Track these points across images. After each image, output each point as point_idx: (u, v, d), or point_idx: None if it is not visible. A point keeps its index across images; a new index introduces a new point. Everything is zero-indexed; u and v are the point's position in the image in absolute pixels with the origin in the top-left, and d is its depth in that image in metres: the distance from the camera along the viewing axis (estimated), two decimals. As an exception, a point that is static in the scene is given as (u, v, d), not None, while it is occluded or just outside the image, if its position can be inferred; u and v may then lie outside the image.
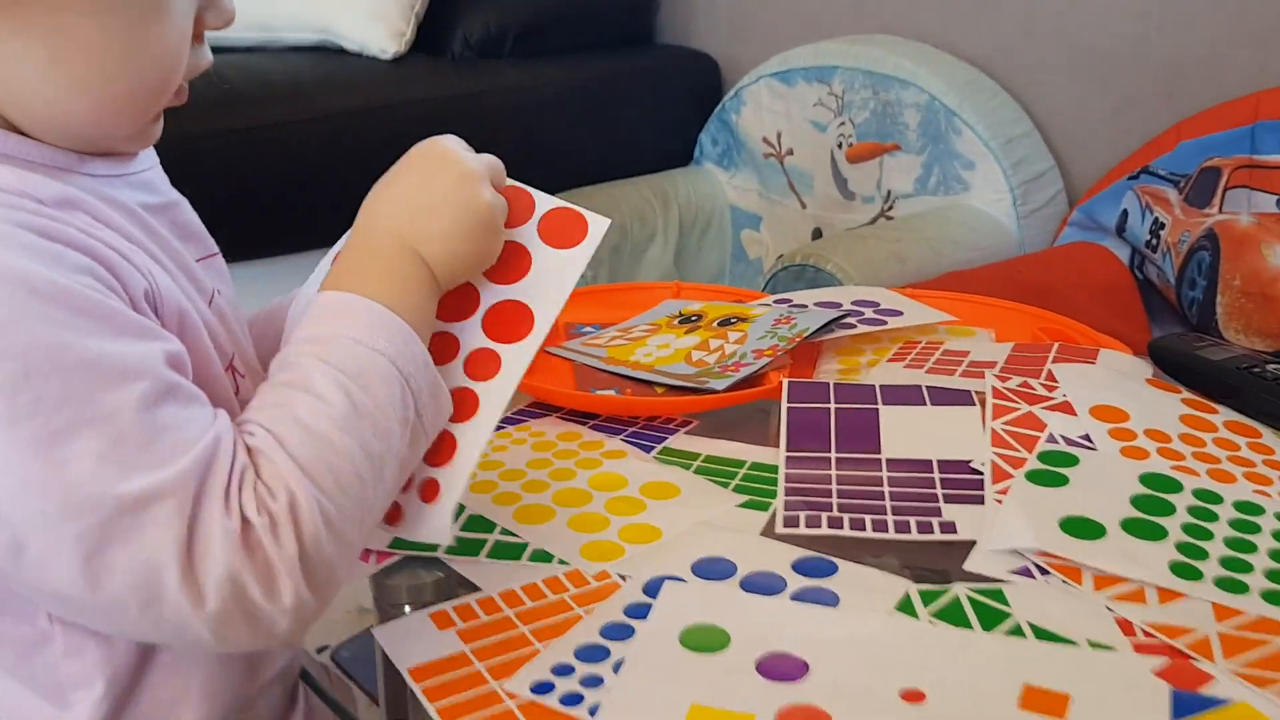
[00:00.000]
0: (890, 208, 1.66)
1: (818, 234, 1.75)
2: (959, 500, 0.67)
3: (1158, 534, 0.61)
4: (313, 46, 1.80)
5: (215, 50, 0.54)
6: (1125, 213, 1.40)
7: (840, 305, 0.96)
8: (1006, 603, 0.57)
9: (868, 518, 0.66)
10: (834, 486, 0.69)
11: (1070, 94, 1.57)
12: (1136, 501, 0.64)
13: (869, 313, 0.95)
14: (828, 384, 0.80)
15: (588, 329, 1.01)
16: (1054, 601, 0.57)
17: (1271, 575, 0.59)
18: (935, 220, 1.51)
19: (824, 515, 0.66)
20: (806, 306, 0.95)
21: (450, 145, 0.57)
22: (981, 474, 0.68)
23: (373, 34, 1.76)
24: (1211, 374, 0.82)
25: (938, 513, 0.66)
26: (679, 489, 0.72)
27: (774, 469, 0.74)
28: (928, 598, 0.58)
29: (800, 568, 0.62)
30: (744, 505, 0.70)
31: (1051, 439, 0.70)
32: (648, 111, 1.95)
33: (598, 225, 0.60)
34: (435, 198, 0.55)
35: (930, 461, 0.71)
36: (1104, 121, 1.53)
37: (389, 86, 1.73)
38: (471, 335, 0.58)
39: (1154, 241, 1.34)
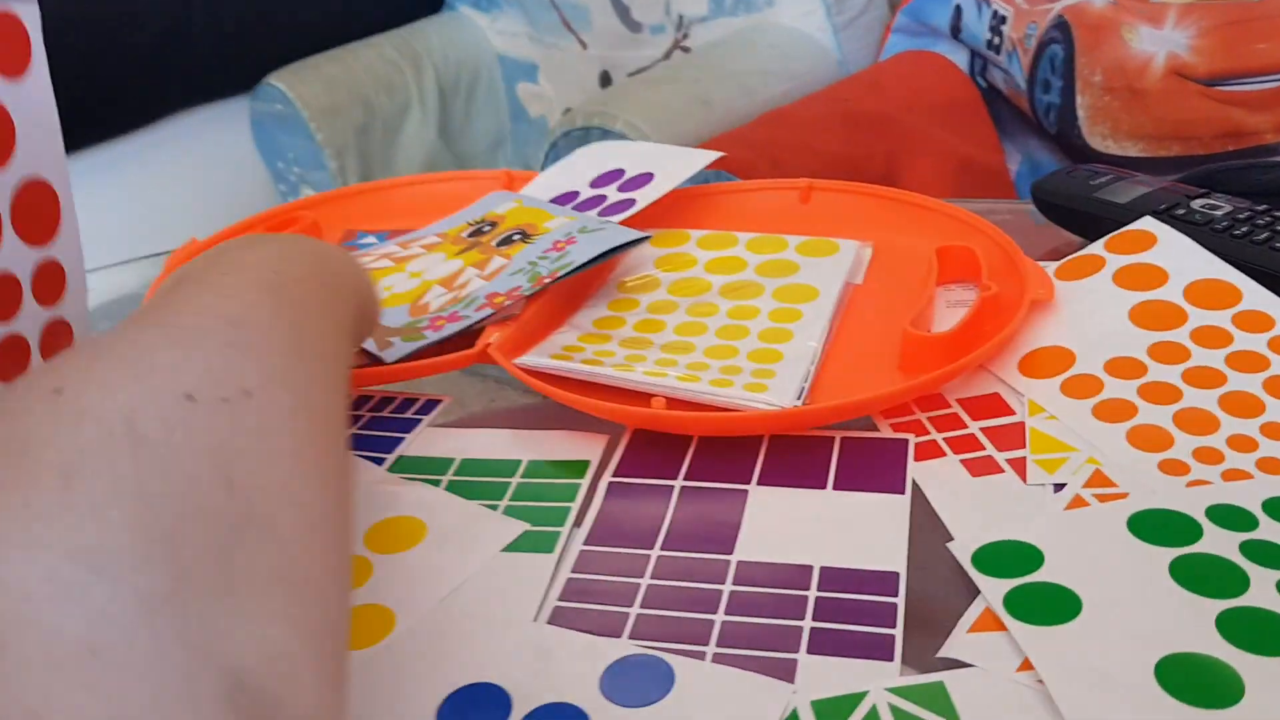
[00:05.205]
0: (685, 37, 1.40)
1: (606, 79, 1.49)
2: (843, 646, 0.40)
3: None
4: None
5: None
6: (958, 9, 1.18)
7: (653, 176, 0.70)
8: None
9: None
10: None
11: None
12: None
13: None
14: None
15: (369, 239, 0.73)
16: None
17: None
18: (740, 48, 1.27)
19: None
20: (606, 225, 0.66)
21: None
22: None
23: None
24: (1122, 221, 0.61)
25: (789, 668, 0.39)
26: (424, 528, 0.49)
27: (565, 470, 0.51)
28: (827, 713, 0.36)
29: (617, 682, 0.39)
30: (519, 546, 0.47)
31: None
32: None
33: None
34: None
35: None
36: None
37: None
38: None
39: (996, 40, 1.12)
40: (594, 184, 0.71)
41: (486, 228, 0.68)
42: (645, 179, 0.70)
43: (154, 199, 1.57)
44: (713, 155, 0.70)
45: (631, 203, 0.68)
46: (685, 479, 0.50)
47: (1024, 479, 0.47)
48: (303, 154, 1.47)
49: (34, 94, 0.37)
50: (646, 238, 0.63)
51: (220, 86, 1.57)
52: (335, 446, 0.32)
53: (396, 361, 0.57)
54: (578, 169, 0.74)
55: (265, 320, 0.33)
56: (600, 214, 0.67)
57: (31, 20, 0.37)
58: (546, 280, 0.60)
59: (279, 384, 0.30)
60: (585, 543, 0.47)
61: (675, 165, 0.70)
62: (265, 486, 0.27)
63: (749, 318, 0.60)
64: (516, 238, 0.66)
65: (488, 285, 0.62)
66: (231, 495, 0.26)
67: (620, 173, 0.72)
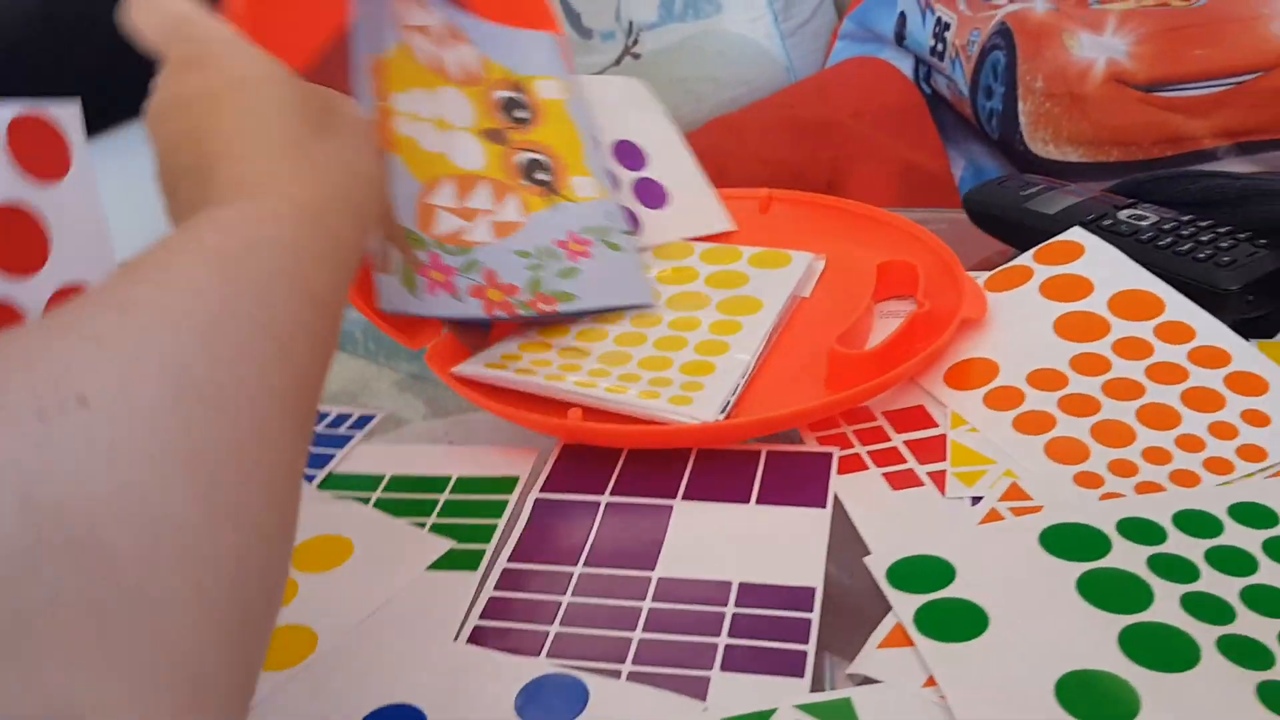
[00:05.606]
0: (635, 43, 1.40)
1: (558, 83, 1.48)
2: (753, 663, 0.41)
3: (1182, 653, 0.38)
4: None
5: None
6: (903, 15, 1.18)
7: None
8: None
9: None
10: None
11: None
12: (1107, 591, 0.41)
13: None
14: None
15: None
16: None
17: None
18: (689, 55, 1.27)
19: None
20: (625, 251, 0.63)
21: None
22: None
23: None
24: (1050, 231, 0.62)
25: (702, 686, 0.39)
26: (350, 546, 0.49)
27: (493, 486, 0.51)
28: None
29: (532, 702, 0.39)
30: (444, 564, 0.47)
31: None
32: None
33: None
34: None
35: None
36: (864, -94, 1.30)
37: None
38: None
39: (939, 47, 1.13)
40: (615, 151, 0.68)
41: (521, 110, 0.64)
42: (658, 196, 0.69)
43: (110, 207, 1.55)
44: (727, 226, 0.69)
45: (636, 223, 0.66)
46: (612, 494, 0.50)
47: (943, 492, 0.48)
48: (254, 160, 1.46)
49: (75, 196, 0.36)
50: (650, 305, 0.62)
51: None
52: (249, 438, 0.28)
53: (387, 312, 0.55)
54: (610, 110, 0.69)
55: (174, 301, 0.28)
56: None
57: (71, 121, 0.36)
58: (543, 309, 0.58)
59: (153, 378, 0.26)
60: (509, 560, 0.47)
61: (691, 214, 0.69)
62: (89, 503, 0.23)
63: (690, 329, 0.60)
64: (541, 176, 0.63)
65: (491, 249, 0.59)
66: (24, 517, 0.22)
67: (641, 160, 0.69)
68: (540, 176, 0.63)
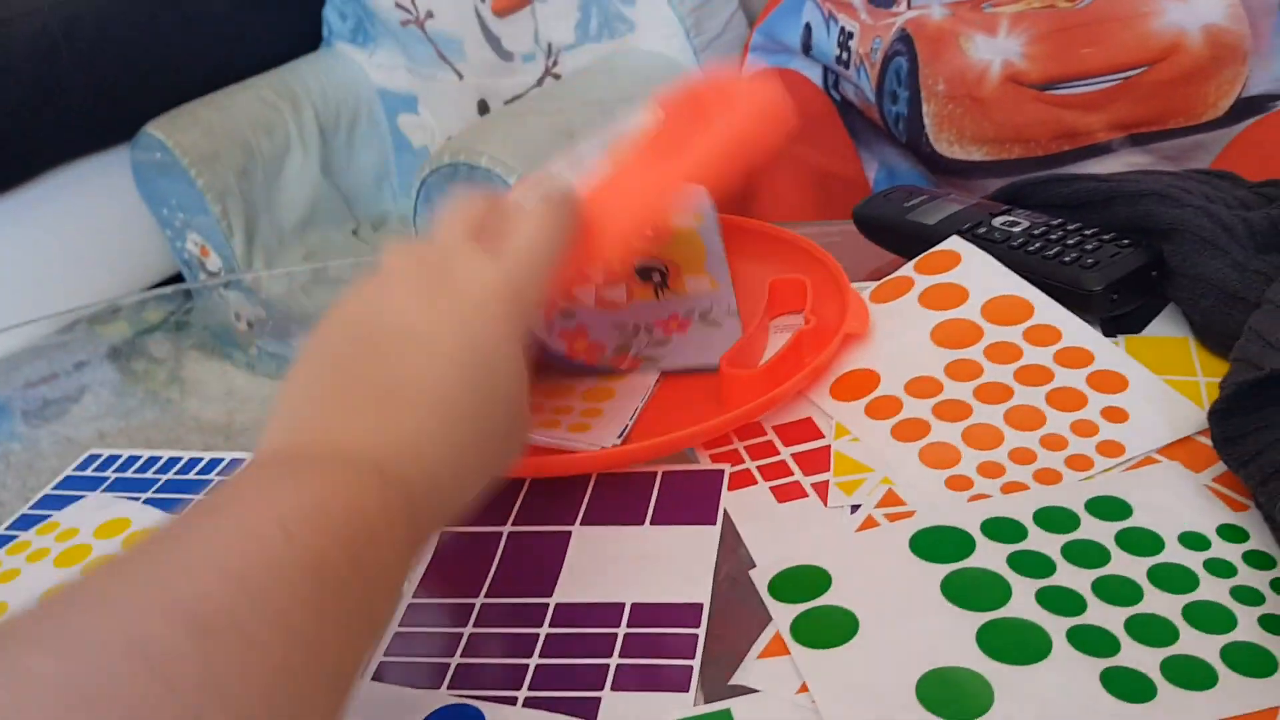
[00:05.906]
0: (555, 64, 1.42)
1: (484, 107, 1.50)
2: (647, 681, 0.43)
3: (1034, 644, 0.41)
4: None
5: None
6: (809, 26, 1.21)
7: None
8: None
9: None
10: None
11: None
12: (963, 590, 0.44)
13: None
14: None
15: None
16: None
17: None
18: (603, 75, 1.29)
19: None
20: (724, 323, 0.63)
21: None
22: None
23: None
24: (931, 241, 0.65)
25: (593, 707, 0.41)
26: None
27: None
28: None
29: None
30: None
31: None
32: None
33: None
34: None
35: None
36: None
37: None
38: None
39: (844, 55, 1.16)
40: None
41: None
42: None
43: (42, 255, 1.56)
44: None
45: None
46: (514, 524, 0.52)
47: (825, 502, 0.50)
48: (185, 200, 1.47)
49: None
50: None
51: (100, 137, 1.56)
52: None
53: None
54: None
55: (252, 634, 0.27)
56: None
57: None
58: (624, 368, 0.60)
59: None
60: (415, 595, 0.49)
61: None
62: None
63: None
64: (656, 278, 0.64)
65: (590, 312, 0.62)
66: None
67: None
68: (655, 277, 0.65)
